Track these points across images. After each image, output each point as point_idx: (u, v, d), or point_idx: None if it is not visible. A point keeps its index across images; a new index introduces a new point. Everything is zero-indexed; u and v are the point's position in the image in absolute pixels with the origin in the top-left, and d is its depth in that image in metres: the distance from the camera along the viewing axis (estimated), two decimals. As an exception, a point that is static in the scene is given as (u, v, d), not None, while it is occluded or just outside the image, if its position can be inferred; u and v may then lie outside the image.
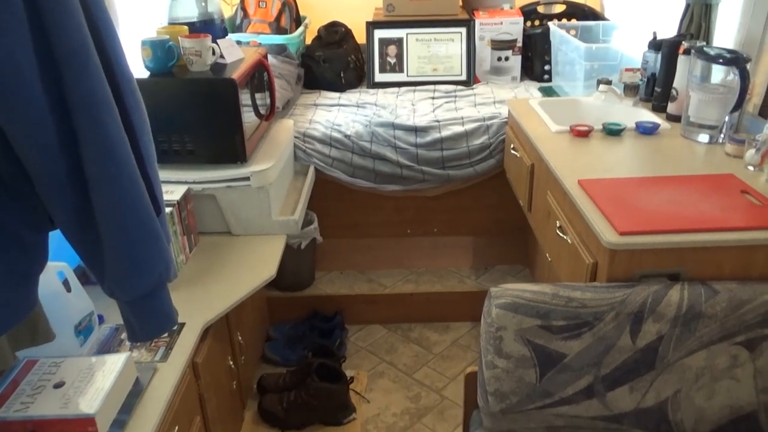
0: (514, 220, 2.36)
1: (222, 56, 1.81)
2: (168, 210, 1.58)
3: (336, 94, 2.64)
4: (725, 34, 1.90)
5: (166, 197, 1.65)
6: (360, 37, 2.83)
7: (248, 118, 1.81)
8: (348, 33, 2.87)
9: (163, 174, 1.75)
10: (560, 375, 1.19)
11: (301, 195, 2.04)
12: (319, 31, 2.84)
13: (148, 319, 0.97)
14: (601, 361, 1.19)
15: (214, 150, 1.76)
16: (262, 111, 2.00)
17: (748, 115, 1.76)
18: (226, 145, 1.75)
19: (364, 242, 2.42)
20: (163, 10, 1.86)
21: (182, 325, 1.43)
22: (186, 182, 1.75)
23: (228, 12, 2.98)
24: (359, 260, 2.45)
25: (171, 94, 1.69)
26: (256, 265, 1.69)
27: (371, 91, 2.69)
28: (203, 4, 1.84)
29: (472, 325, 2.32)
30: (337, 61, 2.71)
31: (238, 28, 2.80)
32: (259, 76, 1.96)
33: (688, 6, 1.97)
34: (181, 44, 1.69)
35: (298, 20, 2.87)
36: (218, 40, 1.83)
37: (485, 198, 2.33)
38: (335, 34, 2.82)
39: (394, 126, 2.23)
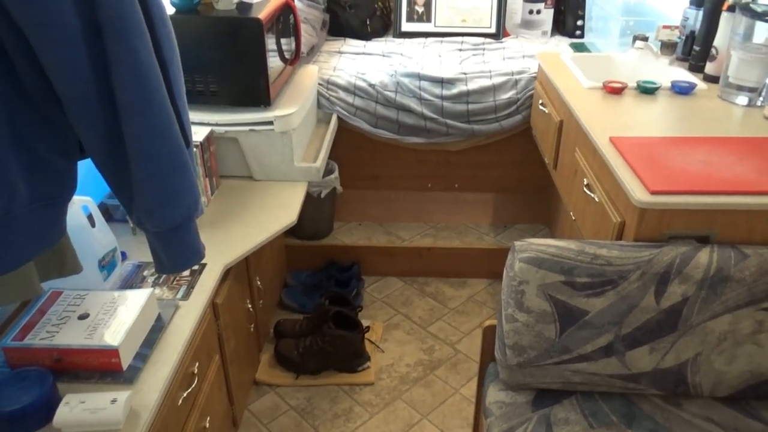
0: (536, 179, 2.33)
1: (248, -4, 1.76)
2: (191, 151, 1.57)
3: (361, 42, 2.58)
4: (773, -9, 1.81)
5: (189, 138, 1.64)
6: (388, -16, 2.75)
7: (273, 61, 1.78)
8: (376, -21, 2.78)
9: (187, 115, 1.74)
10: (580, 332, 1.19)
11: (324, 143, 2.02)
12: (346, -24, 2.76)
13: (176, 252, 0.97)
14: (622, 320, 1.18)
15: (238, 92, 1.74)
16: (287, 55, 1.96)
17: (790, 77, 1.69)
18: (250, 87, 1.72)
19: (384, 194, 2.41)
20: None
21: (203, 265, 1.44)
22: (209, 124, 1.74)
23: (253, -47, 2.90)
24: (378, 212, 2.44)
25: (195, 32, 1.65)
26: (276, 211, 1.69)
27: (397, 40, 2.62)
28: (231, -60, 1.78)
29: (489, 282, 2.31)
30: (363, 8, 2.63)
31: (263, -30, 2.73)
32: (284, 20, 1.91)
33: (735, -40, 1.87)
34: (207, -19, 1.65)
35: (325, -37, 2.79)
36: (245, -21, 1.79)
37: (509, 155, 2.30)
38: (362, -21, 2.74)
39: (419, 77, 2.18)
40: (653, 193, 1.19)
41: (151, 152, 0.84)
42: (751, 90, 1.62)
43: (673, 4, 2.11)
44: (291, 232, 2.28)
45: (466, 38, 2.60)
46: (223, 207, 1.70)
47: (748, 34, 1.59)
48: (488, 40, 2.60)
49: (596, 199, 1.40)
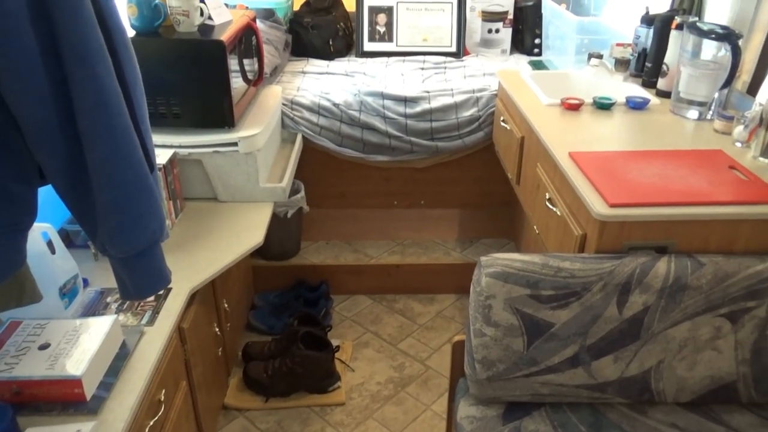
0: (500, 194, 2.37)
1: (210, 18, 1.76)
2: (154, 174, 1.55)
3: (324, 62, 2.60)
4: (717, 10, 1.90)
5: (151, 161, 1.62)
6: (349, 5, 2.78)
7: (236, 82, 1.78)
8: (337, 0, 2.82)
9: (149, 137, 1.72)
10: (547, 344, 1.21)
11: (289, 163, 2.02)
12: (308, -3, 2.79)
13: (141, 277, 0.96)
14: (587, 330, 1.20)
15: (202, 114, 1.73)
16: (250, 76, 1.96)
17: (736, 92, 1.77)
18: (214, 109, 1.72)
19: (351, 212, 2.41)
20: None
21: (169, 290, 1.41)
22: (172, 146, 1.72)
23: (214, -26, 2.90)
24: (345, 230, 2.44)
25: (157, 54, 1.64)
26: (243, 232, 1.68)
27: (360, 60, 2.65)
28: (191, -37, 1.78)
29: (457, 297, 2.33)
30: (325, 29, 2.66)
31: (224, -9, 2.73)
32: (247, 40, 1.91)
33: (681, -19, 1.96)
34: (168, 3, 1.64)
35: (286, -15, 2.81)
36: (206, 1, 1.79)
37: (473, 170, 2.33)
38: (324, 0, 2.77)
39: (383, 95, 2.20)
40: (612, 206, 1.22)
41: (115, 178, 0.83)
42: (700, 104, 1.69)
43: (625, 23, 2.19)
44: (258, 252, 2.26)
45: (427, 57, 2.65)
46: (188, 230, 1.68)
47: (696, 51, 1.67)
48: (449, 58, 2.65)
49: (558, 212, 1.43)
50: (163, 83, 1.67)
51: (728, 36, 1.58)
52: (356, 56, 2.70)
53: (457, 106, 2.20)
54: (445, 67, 2.56)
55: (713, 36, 1.60)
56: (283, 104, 2.17)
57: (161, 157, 1.65)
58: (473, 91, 2.23)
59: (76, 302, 1.36)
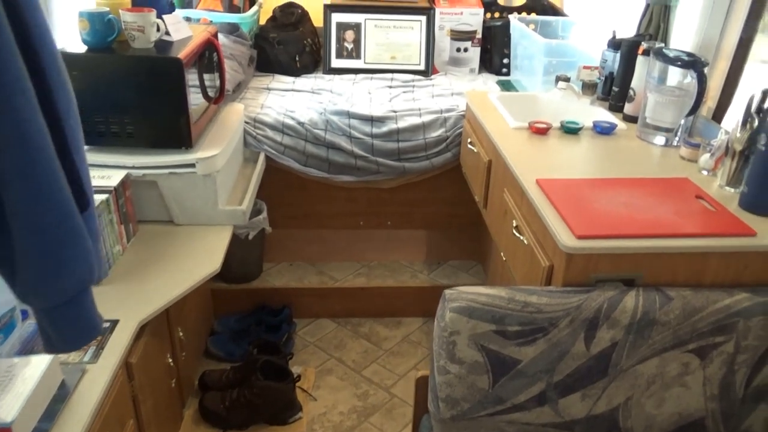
0: (468, 215, 2.33)
1: (168, 33, 1.69)
2: (103, 197, 1.47)
3: (290, 79, 2.54)
4: (683, 36, 1.91)
5: (102, 183, 1.54)
6: (317, 20, 2.73)
7: (195, 100, 1.70)
8: (305, 15, 2.77)
9: (101, 157, 1.64)
10: (513, 381, 1.16)
11: (250, 183, 1.95)
12: (274, 12, 2.73)
13: (67, 329, 0.87)
14: (554, 367, 1.16)
15: (157, 133, 1.65)
16: (211, 93, 1.89)
17: (702, 118, 1.77)
18: (170, 128, 1.64)
19: (316, 233, 2.35)
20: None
21: (115, 322, 1.33)
22: (125, 167, 1.64)
23: (178, -14, 2.83)
24: (310, 252, 2.38)
25: (110, 71, 1.56)
26: (199, 258, 1.60)
27: (327, 76, 2.60)
28: (148, -25, 1.71)
29: (424, 321, 2.28)
30: (292, 44, 2.60)
31: (188, 4, 2.65)
32: (208, 56, 1.85)
33: (647, 6, 1.96)
34: (122, 18, 1.57)
35: (252, -1, 2.75)
36: (164, 16, 1.72)
37: (440, 192, 2.29)
38: (291, 15, 2.72)
39: (349, 115, 2.15)
40: (579, 237, 1.19)
41: (35, 222, 0.75)
42: (667, 130, 1.68)
43: (593, 45, 2.18)
44: (218, 275, 2.16)
45: (395, 75, 2.61)
46: (141, 255, 1.60)
47: (663, 77, 1.66)
48: (417, 77, 2.61)
49: (525, 241, 1.39)
50: (116, 101, 1.59)
51: (694, 63, 1.58)
52: (323, 73, 2.65)
53: (424, 127, 2.16)
54: (413, 86, 2.52)
55: (679, 63, 1.60)
56: (246, 122, 2.11)
57: (113, 178, 1.57)
58: (441, 111, 2.20)
59: (13, 337, 1.26)
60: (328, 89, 2.43)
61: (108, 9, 1.56)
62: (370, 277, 2.31)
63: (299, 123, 2.13)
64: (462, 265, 2.41)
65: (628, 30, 2.07)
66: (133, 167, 1.64)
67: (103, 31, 1.55)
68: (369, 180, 2.21)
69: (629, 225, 1.23)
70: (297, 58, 2.62)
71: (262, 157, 2.10)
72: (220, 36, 2.35)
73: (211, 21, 2.46)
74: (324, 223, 2.31)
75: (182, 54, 1.59)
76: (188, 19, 2.48)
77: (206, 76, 1.83)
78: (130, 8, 1.61)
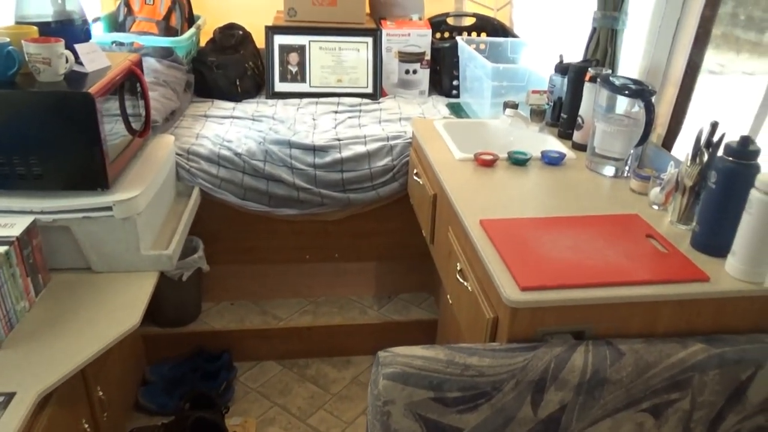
0: (418, 245, 2.22)
1: (80, 64, 1.55)
2: (2, 250, 1.31)
3: (230, 105, 2.41)
4: (630, 61, 1.85)
5: (2, 232, 1.38)
6: (260, 42, 2.62)
7: (114, 135, 1.56)
8: (246, 37, 2.65)
9: (4, 202, 1.48)
10: (455, 452, 1.06)
11: (182, 221, 1.81)
12: (214, 34, 2.60)
13: None
14: (499, 434, 1.06)
15: (69, 174, 1.50)
16: (136, 126, 1.75)
17: (652, 146, 1.71)
18: (83, 168, 1.50)
19: (258, 269, 2.21)
20: (9, 7, 1.58)
21: (10, 396, 1.17)
22: (32, 212, 1.48)
23: (110, 7, 2.68)
24: (252, 289, 2.24)
25: (12, 107, 1.41)
26: (116, 312, 1.45)
27: (270, 101, 2.48)
28: (59, 1, 1.56)
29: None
30: (232, 68, 2.48)
31: (120, 27, 2.51)
32: (132, 86, 1.71)
33: (594, 30, 1.90)
34: (25, 50, 1.42)
35: (190, 20, 2.62)
36: (78, 45, 1.57)
37: (389, 222, 2.19)
38: (232, 37, 2.59)
39: (290, 144, 2.03)
40: (524, 289, 1.09)
41: None
42: (616, 160, 1.61)
43: (542, 68, 2.12)
44: (150, 319, 2.03)
45: (342, 98, 2.51)
46: (51, 311, 1.44)
47: (611, 105, 1.59)
48: (365, 100, 2.52)
49: (469, 288, 1.29)
50: (20, 140, 1.44)
51: (642, 93, 1.51)
52: (266, 97, 2.52)
53: (369, 156, 2.06)
54: (360, 110, 2.42)
55: (626, 92, 1.53)
56: (179, 154, 1.97)
57: (16, 226, 1.41)
58: (387, 139, 2.10)
59: None
60: (270, 115, 2.30)
61: (8, 40, 1.41)
62: (316, 315, 2.18)
63: (236, 154, 2.00)
64: (413, 298, 2.30)
65: (577, 52, 2.01)
66: (42, 212, 1.49)
67: (2, 64, 1.40)
68: (313, 212, 2.09)
69: (577, 273, 1.14)
70: (238, 83, 2.49)
71: (196, 191, 1.97)
72: (153, 61, 2.21)
73: (144, 45, 2.32)
74: (267, 257, 2.18)
75: (95, 87, 1.45)
76: (120, 44, 2.34)
77: (130, 108, 1.69)
78: (35, 38, 1.46)
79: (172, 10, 2.52)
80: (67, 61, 1.47)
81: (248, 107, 2.39)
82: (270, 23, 2.56)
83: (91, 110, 1.43)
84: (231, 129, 2.16)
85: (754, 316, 1.17)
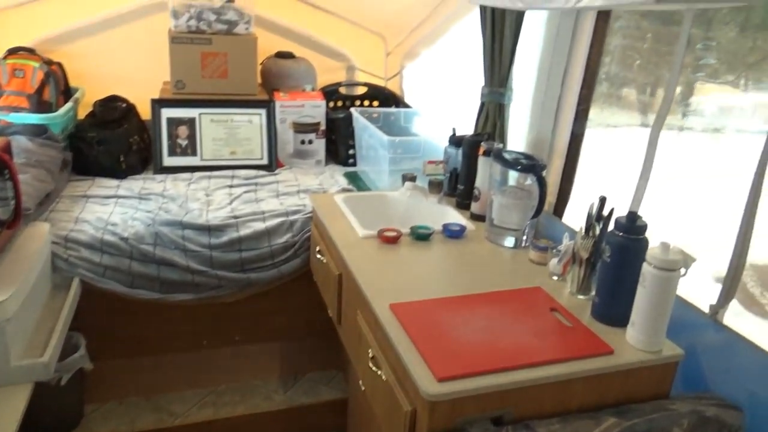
0: (324, 321, 2.14)
1: (-65, 153, 1.38)
2: None
3: (114, 182, 2.26)
4: (518, 133, 1.95)
5: None
6: (145, 114, 2.49)
7: (-24, 232, 1.39)
8: (130, 110, 2.51)
9: None
10: None
11: (59, 320, 1.62)
12: (94, 107, 2.45)
13: None
14: None
15: None
16: (4, 216, 1.57)
17: (544, 214, 1.78)
18: (-62, 273, 1.30)
19: (150, 361, 2.03)
20: None
21: None
22: None
23: (-28, 80, 2.45)
24: (144, 384, 2.05)
25: None
26: (-20, 439, 1.25)
27: (158, 177, 2.35)
28: None
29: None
30: (115, 144, 2.33)
31: (-15, 102, 2.29)
32: (-3, 173, 1.54)
33: (483, 104, 1.99)
34: None
35: (67, 93, 2.45)
36: (-69, 131, 1.40)
37: (292, 299, 2.11)
38: (114, 110, 2.45)
39: (183, 225, 1.92)
40: (441, 380, 1.06)
41: None
42: (515, 231, 1.66)
43: (436, 137, 2.17)
44: (26, 427, 1.77)
45: (237, 171, 2.43)
46: None
47: (505, 179, 1.65)
48: (261, 172, 2.46)
49: (384, 377, 1.24)
50: None
51: (533, 167, 1.58)
52: (154, 173, 2.39)
53: (269, 233, 1.98)
54: (256, 183, 2.35)
55: (519, 168, 1.59)
56: (55, 243, 1.79)
57: None
58: (287, 214, 2.04)
59: None
60: (159, 192, 2.18)
61: None
62: (217, 406, 2.03)
63: (122, 239, 1.85)
64: (321, 377, 2.21)
65: (468, 120, 2.08)
66: None
67: None
68: (210, 296, 1.96)
69: (492, 357, 1.13)
70: (122, 158, 2.34)
71: (76, 283, 1.79)
72: (24, 140, 2.03)
73: (13, 122, 2.13)
74: (159, 348, 2.01)
75: (-48, 181, 1.28)
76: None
77: (-4, 197, 1.52)
78: None
79: (46, 83, 2.34)
80: None
81: (134, 184, 2.24)
82: (156, 95, 2.46)
83: (-53, 207, 1.26)
84: (116, 210, 2.01)
85: (655, 383, 1.22)
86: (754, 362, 1.16)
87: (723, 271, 1.25)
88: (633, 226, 1.21)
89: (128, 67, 2.65)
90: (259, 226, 1.98)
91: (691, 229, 1.53)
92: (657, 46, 1.68)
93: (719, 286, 1.25)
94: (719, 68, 1.51)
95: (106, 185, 2.22)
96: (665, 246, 1.13)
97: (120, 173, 2.32)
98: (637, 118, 2.02)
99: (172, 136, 2.44)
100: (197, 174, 2.39)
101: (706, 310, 1.27)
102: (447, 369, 1.09)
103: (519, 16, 1.78)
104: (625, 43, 1.71)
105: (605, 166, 1.79)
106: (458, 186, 1.91)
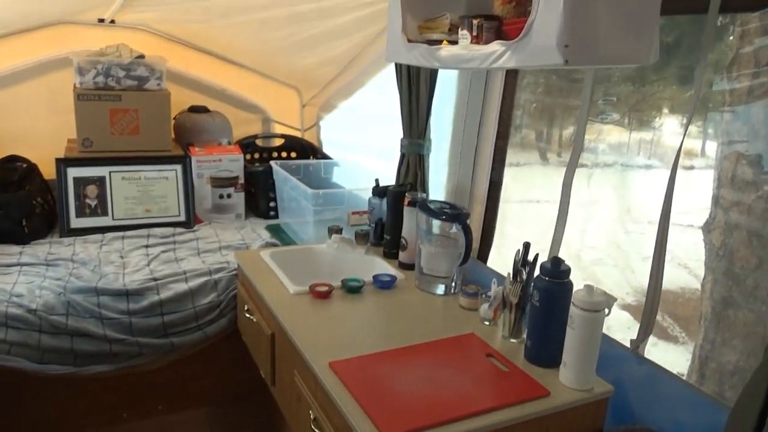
0: (255, 379, 2.07)
1: None
2: None
3: (16, 249, 2.10)
4: (438, 182, 2.02)
5: None
6: (48, 173, 2.36)
7: None
8: (32, 170, 2.38)
9: None
10: None
11: (-41, 407, 1.46)
12: (-10, 168, 2.29)
13: None
14: None
15: None
16: None
17: (471, 260, 1.83)
18: None
19: (64, 442, 1.87)
20: None
21: None
22: None
23: None
24: (57, 468, 1.87)
25: None
26: None
27: (66, 240, 2.21)
28: None
29: None
30: (16, 207, 2.18)
31: None
32: None
33: (403, 155, 2.05)
34: None
35: (-42, 154, 2.28)
36: None
37: (220, 360, 2.03)
38: (14, 171, 2.31)
39: (97, 291, 1.81)
40: (390, 439, 1.06)
41: None
42: (444, 278, 1.70)
43: (358, 187, 2.20)
44: None
45: (153, 230, 2.34)
46: None
47: (430, 227, 1.69)
48: (179, 229, 2.38)
49: (328, 439, 1.22)
50: None
51: (458, 217, 1.63)
52: (61, 236, 2.25)
53: (192, 294, 1.91)
54: (175, 241, 2.27)
55: (443, 217, 1.64)
56: (-49, 321, 1.62)
57: None
58: (210, 273, 1.98)
59: None
60: (69, 257, 2.05)
61: None
62: (142, 485, 1.89)
63: (30, 311, 1.71)
64: (254, 441, 2.12)
65: (387, 170, 2.13)
66: None
67: None
68: (130, 365, 1.85)
69: (435, 410, 1.14)
70: (24, 222, 2.19)
71: (-23, 363, 1.63)
72: None
73: None
74: (72, 426, 1.85)
75: None
76: None
77: None
78: None
79: (-66, 144, 2.17)
80: None
81: (39, 250, 2.10)
82: (61, 154, 2.34)
83: None
84: (20, 279, 1.86)
85: (590, 419, 1.27)
86: (675, 391, 1.24)
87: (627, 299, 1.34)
88: (557, 271, 1.28)
89: (28, 125, 2.51)
90: (182, 287, 1.90)
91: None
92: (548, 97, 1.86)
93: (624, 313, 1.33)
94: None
95: (7, 252, 2.06)
96: (590, 288, 1.20)
97: (22, 238, 2.17)
98: (536, 157, 2.25)
99: (80, 196, 2.32)
100: (109, 235, 2.28)
101: (627, 344, 1.35)
102: (394, 426, 1.08)
103: (433, 71, 1.87)
104: (528, 97, 1.85)
105: (520, 201, 1.90)
106: (385, 236, 1.94)
